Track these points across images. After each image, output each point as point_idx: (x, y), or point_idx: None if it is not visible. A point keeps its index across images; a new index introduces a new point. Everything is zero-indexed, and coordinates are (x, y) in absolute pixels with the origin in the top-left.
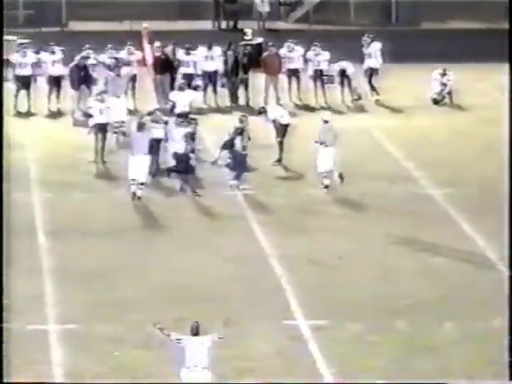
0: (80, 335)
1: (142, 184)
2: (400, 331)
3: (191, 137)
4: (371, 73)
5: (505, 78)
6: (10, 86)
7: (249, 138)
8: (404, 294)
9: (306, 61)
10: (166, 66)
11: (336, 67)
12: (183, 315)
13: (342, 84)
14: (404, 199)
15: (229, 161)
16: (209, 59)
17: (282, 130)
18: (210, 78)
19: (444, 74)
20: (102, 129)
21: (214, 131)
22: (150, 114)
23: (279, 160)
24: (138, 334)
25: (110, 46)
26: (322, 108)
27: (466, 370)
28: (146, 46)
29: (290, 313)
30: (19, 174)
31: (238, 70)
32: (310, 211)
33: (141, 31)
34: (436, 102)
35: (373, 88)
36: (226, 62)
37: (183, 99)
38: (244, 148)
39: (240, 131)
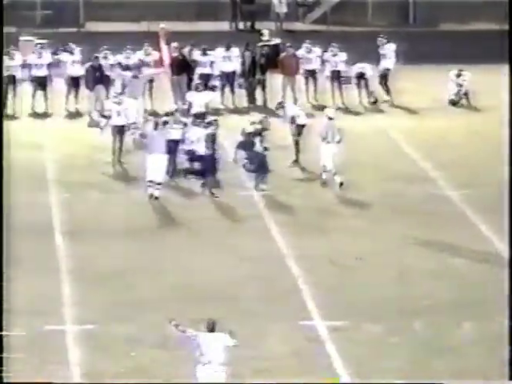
0: (97, 335)
1: (159, 184)
2: (418, 332)
3: (212, 138)
4: (385, 74)
5: None
6: (26, 87)
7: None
8: (422, 295)
9: (323, 62)
10: (182, 67)
11: (355, 69)
12: (200, 315)
13: (359, 85)
14: (421, 200)
15: (245, 161)
16: (227, 60)
17: (298, 130)
18: (228, 78)
19: (459, 75)
20: (119, 131)
21: (232, 132)
22: (167, 114)
23: (296, 161)
24: (155, 334)
25: (127, 46)
26: (339, 109)
27: (484, 371)
28: (164, 46)
29: (307, 313)
30: (37, 175)
31: (255, 71)
32: (327, 212)
33: (158, 32)
34: (453, 103)
35: (385, 89)
36: (243, 63)
37: (199, 99)
38: (265, 149)
39: (259, 132)
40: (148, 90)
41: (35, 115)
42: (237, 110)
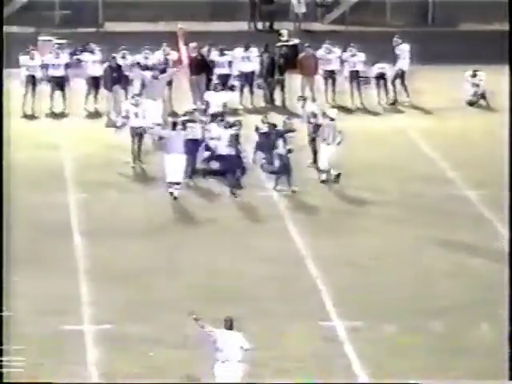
0: (115, 335)
1: (177, 184)
2: (436, 332)
3: (236, 139)
4: (400, 74)
5: None
6: (45, 87)
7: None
8: (439, 295)
9: (341, 62)
10: (201, 67)
11: (375, 69)
12: (218, 315)
13: (378, 86)
14: (439, 200)
15: (263, 161)
16: (245, 60)
17: (315, 129)
18: (247, 78)
19: (475, 75)
20: (137, 132)
21: (251, 132)
22: (186, 114)
23: (314, 161)
24: (173, 335)
25: (145, 46)
26: (358, 109)
27: (502, 371)
28: (182, 46)
29: (326, 314)
30: (55, 175)
31: (274, 71)
32: (345, 212)
33: (177, 32)
34: (471, 103)
35: (405, 89)
36: (262, 63)
37: (217, 99)
38: (289, 151)
39: (282, 134)
40: (167, 91)
41: (53, 115)
42: (255, 111)
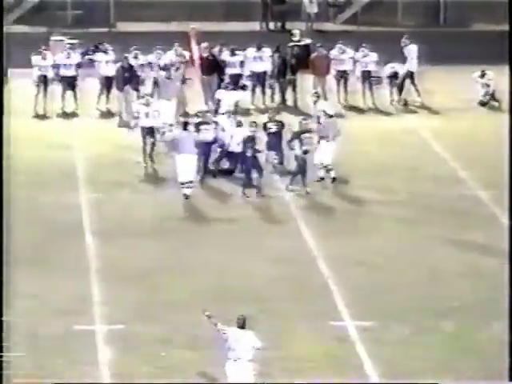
0: (127, 336)
1: (190, 182)
2: (447, 333)
3: (252, 139)
4: (408, 75)
5: None
6: (56, 87)
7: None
8: (451, 296)
9: (353, 62)
10: (213, 67)
11: (387, 69)
12: (229, 315)
13: (391, 85)
14: (452, 200)
15: (275, 161)
16: (258, 60)
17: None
18: (259, 78)
19: (483, 75)
20: (148, 132)
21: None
22: (198, 115)
23: None
24: (184, 335)
25: (157, 46)
26: (370, 109)
27: None
28: (194, 46)
29: (338, 314)
30: (66, 175)
31: (285, 71)
32: (357, 212)
33: (189, 32)
34: (483, 104)
35: (415, 89)
36: (273, 64)
37: (228, 98)
38: (305, 152)
39: (299, 134)
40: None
41: (65, 115)
42: (267, 110)
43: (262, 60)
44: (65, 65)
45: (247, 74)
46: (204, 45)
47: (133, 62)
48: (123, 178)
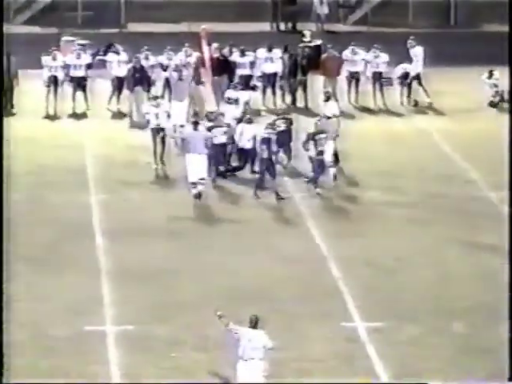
0: (137, 336)
1: (201, 179)
2: (458, 333)
3: (268, 141)
4: (415, 76)
5: None
6: (67, 88)
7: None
8: (462, 296)
9: (365, 63)
10: (223, 68)
11: (399, 70)
12: (240, 316)
13: (402, 86)
14: (462, 201)
15: (283, 162)
16: (268, 61)
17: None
18: (269, 79)
19: (491, 75)
20: (158, 133)
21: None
22: (207, 116)
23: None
24: (195, 336)
25: (168, 47)
26: (380, 110)
27: None
28: (205, 47)
29: (348, 315)
30: (77, 175)
31: (296, 72)
32: (367, 213)
33: (199, 32)
34: (493, 105)
35: (423, 90)
36: (284, 64)
37: (237, 98)
38: (320, 153)
39: (313, 136)
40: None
41: (75, 116)
42: (278, 111)
43: (272, 61)
44: (75, 65)
45: (258, 74)
46: (214, 45)
47: (143, 62)
48: (134, 179)
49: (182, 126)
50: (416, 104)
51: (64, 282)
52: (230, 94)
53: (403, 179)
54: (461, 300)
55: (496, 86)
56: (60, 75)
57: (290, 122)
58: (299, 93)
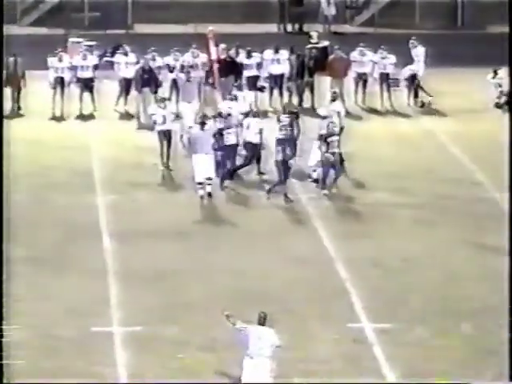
0: (144, 337)
1: (209, 179)
2: (466, 334)
3: (283, 143)
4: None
5: None
6: (74, 89)
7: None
8: (470, 297)
9: (372, 64)
10: (230, 69)
11: (406, 71)
12: (248, 317)
13: (409, 88)
14: (469, 202)
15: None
16: (275, 62)
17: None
18: (276, 80)
19: (495, 74)
20: (165, 135)
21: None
22: (215, 117)
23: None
24: (202, 337)
25: (175, 48)
26: (388, 111)
27: None
28: (212, 48)
29: (355, 316)
30: (84, 176)
31: (303, 73)
32: (374, 215)
33: (206, 34)
34: (498, 106)
35: (423, 90)
36: (291, 66)
37: (243, 98)
38: (333, 155)
39: (325, 138)
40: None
41: (82, 117)
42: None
43: (279, 62)
44: (82, 67)
45: (265, 75)
46: (222, 46)
47: (150, 63)
48: (141, 180)
49: (190, 128)
50: (423, 105)
51: (71, 283)
52: (235, 93)
53: (410, 180)
54: (468, 301)
55: (500, 85)
56: (66, 76)
57: (295, 116)
58: (306, 94)
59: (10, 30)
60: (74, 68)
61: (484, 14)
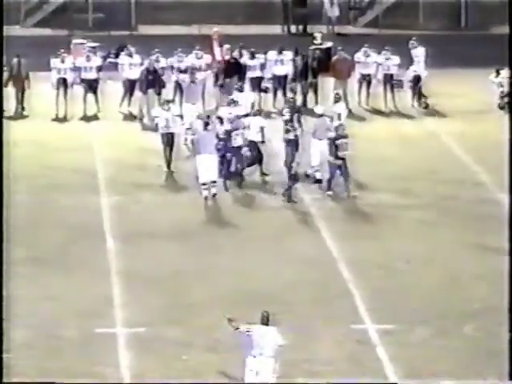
0: (148, 338)
1: (212, 182)
2: (469, 335)
3: (289, 145)
4: (416, 77)
5: None
6: (77, 90)
7: None
8: (473, 298)
9: (376, 65)
10: (234, 70)
11: (410, 72)
12: (251, 319)
13: (413, 89)
14: (472, 203)
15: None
16: (279, 63)
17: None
18: (280, 81)
19: (498, 74)
20: (168, 138)
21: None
22: (220, 118)
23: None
24: (206, 338)
25: (179, 49)
26: (391, 112)
27: None
28: (216, 49)
29: (359, 317)
30: (88, 177)
31: (307, 74)
32: (378, 216)
33: (211, 35)
34: (501, 106)
35: (418, 93)
36: (296, 67)
37: (243, 100)
38: (337, 158)
39: (334, 140)
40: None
41: (86, 118)
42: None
43: (283, 63)
44: (85, 68)
45: (268, 76)
46: (226, 47)
47: (155, 64)
48: (145, 181)
49: (188, 129)
50: (427, 106)
51: (75, 284)
52: (236, 95)
53: (413, 181)
54: (471, 302)
55: (502, 85)
56: (69, 77)
57: (296, 110)
58: (310, 95)
59: (13, 30)
60: (76, 69)
61: (488, 15)
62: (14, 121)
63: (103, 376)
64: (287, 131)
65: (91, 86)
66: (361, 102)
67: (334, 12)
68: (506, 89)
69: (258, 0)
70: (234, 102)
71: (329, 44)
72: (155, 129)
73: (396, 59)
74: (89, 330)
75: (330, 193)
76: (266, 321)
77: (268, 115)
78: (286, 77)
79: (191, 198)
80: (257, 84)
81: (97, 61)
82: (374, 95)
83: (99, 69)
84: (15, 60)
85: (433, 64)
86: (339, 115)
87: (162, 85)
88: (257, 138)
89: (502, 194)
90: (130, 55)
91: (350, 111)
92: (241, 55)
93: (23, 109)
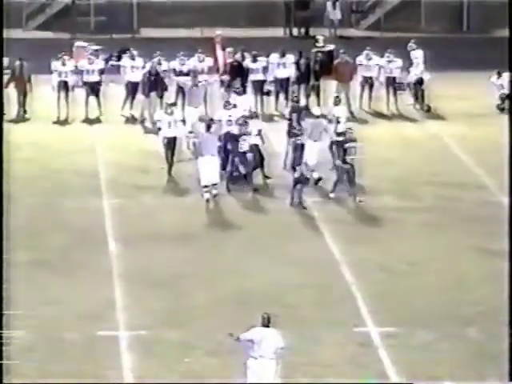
0: (150, 341)
1: (214, 185)
2: (471, 339)
3: (300, 147)
4: (417, 80)
5: None
6: (78, 93)
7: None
8: (475, 301)
9: (378, 68)
10: (236, 73)
11: (413, 75)
12: (254, 322)
13: (416, 91)
14: (475, 206)
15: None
16: (281, 66)
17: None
18: (282, 84)
19: (499, 77)
20: (169, 142)
21: (285, 137)
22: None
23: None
24: (208, 341)
25: (181, 52)
26: (394, 115)
27: None
28: (219, 52)
29: (361, 320)
30: (90, 180)
31: (309, 77)
32: (380, 218)
33: (213, 38)
34: (501, 109)
35: (421, 96)
36: (298, 70)
37: (242, 103)
38: (344, 162)
39: (342, 144)
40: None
41: (88, 121)
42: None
43: (285, 66)
44: (88, 70)
45: (270, 79)
46: (228, 50)
47: (157, 67)
48: (147, 184)
49: (190, 133)
50: (429, 109)
51: (77, 287)
52: (235, 99)
53: (416, 184)
54: (474, 305)
55: (503, 87)
56: (70, 80)
57: (300, 108)
58: (312, 98)
59: (15, 33)
60: (78, 72)
61: (489, 18)
62: (16, 124)
63: (105, 378)
64: (295, 135)
65: (93, 89)
66: (363, 105)
67: (336, 15)
68: (506, 91)
69: (261, 3)
70: (231, 105)
71: (331, 47)
72: (157, 132)
73: (398, 62)
74: (91, 332)
75: (332, 195)
76: (267, 323)
77: (270, 118)
78: (288, 80)
79: (193, 200)
80: (259, 87)
81: (99, 64)
82: (376, 98)
83: (101, 72)
84: (17, 63)
85: (434, 67)
86: (337, 119)
87: (164, 88)
88: (257, 141)
89: (504, 197)
90: (132, 58)
91: (352, 114)
92: (243, 58)
93: (25, 112)
